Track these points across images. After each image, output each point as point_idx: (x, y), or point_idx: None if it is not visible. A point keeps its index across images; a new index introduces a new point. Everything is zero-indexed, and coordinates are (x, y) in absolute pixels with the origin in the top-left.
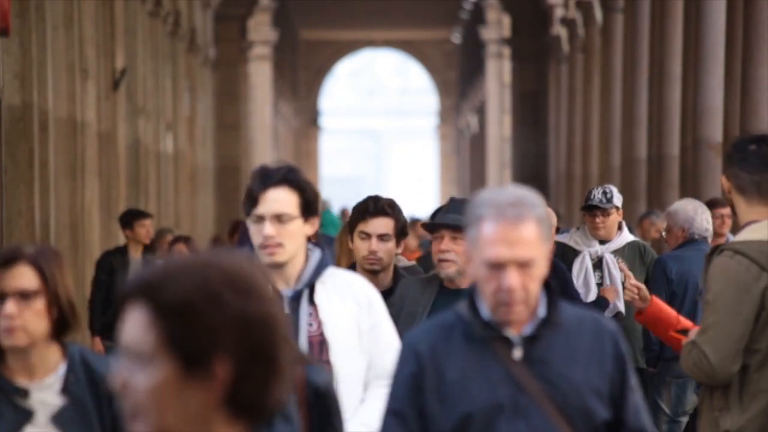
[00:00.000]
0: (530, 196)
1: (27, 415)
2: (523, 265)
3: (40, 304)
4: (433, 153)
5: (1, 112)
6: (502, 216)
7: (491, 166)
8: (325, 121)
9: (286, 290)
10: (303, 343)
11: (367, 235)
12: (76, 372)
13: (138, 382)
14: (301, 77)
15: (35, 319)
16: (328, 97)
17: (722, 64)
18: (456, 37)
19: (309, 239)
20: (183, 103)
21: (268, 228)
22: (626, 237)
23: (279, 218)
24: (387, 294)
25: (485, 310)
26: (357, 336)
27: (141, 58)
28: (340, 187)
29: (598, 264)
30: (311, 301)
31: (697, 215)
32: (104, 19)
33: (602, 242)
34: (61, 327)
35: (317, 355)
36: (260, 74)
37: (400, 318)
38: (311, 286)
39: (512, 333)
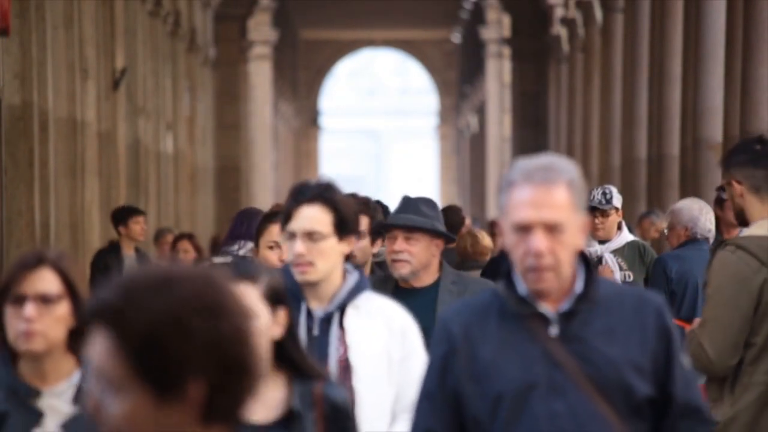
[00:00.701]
0: (562, 162)
1: (37, 417)
2: (551, 229)
3: (61, 310)
4: (433, 153)
5: (1, 111)
6: (530, 179)
7: (491, 166)
8: (325, 121)
9: (318, 310)
10: (332, 365)
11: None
12: None
13: (110, 407)
14: (301, 77)
15: (55, 325)
16: (328, 97)
17: (722, 64)
18: (456, 37)
19: (347, 259)
20: (183, 103)
21: (299, 246)
22: (626, 237)
23: (310, 236)
24: None
25: (521, 285)
26: (386, 365)
27: (141, 57)
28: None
29: (598, 263)
30: (341, 324)
31: (702, 215)
32: (104, 18)
33: (602, 242)
34: (78, 335)
35: (342, 379)
36: (260, 74)
37: None
38: (343, 309)
39: (548, 309)
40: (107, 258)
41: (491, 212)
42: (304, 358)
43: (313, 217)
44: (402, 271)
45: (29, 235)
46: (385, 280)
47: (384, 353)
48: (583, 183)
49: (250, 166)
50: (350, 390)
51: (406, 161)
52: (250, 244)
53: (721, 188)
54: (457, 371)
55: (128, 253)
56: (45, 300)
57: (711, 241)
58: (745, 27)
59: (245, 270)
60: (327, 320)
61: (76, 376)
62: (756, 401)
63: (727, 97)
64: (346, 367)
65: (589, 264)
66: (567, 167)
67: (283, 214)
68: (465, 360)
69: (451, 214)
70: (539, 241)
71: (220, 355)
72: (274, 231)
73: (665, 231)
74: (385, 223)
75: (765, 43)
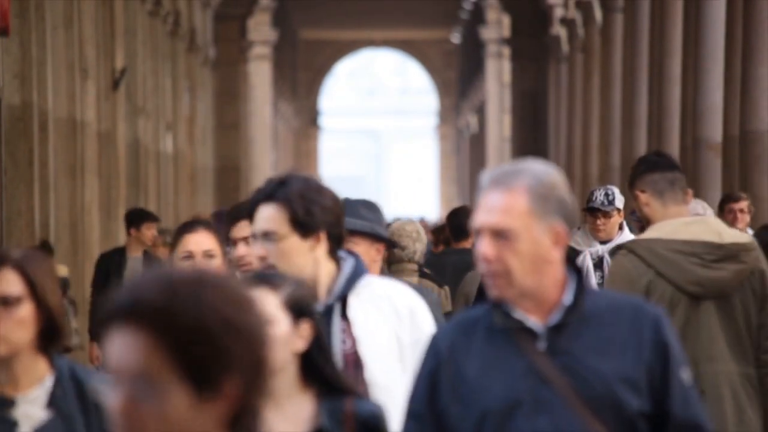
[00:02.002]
0: (534, 167)
1: (10, 427)
2: (499, 235)
3: (24, 312)
4: (433, 153)
5: (1, 111)
6: (493, 183)
7: (491, 166)
8: (325, 120)
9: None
10: (338, 360)
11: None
12: (64, 385)
13: (145, 408)
14: (300, 77)
15: (17, 327)
16: (327, 97)
17: (722, 64)
18: (456, 37)
19: (333, 249)
20: (183, 103)
21: (258, 248)
22: (627, 237)
23: (267, 236)
24: None
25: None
26: (397, 351)
27: (141, 57)
28: (339, 187)
29: (599, 264)
30: (344, 316)
31: (706, 215)
32: (104, 18)
33: (603, 242)
34: (48, 337)
35: (353, 375)
36: (260, 74)
37: None
38: (344, 299)
39: (536, 323)
40: (110, 261)
41: None
42: (333, 373)
43: (268, 217)
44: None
45: (29, 235)
46: None
47: (394, 339)
48: (558, 190)
49: (250, 166)
50: (362, 384)
51: (405, 161)
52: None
53: (632, 212)
54: (442, 390)
55: (133, 255)
56: (5, 302)
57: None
58: (744, 27)
59: (266, 277)
60: (327, 314)
61: (48, 380)
62: None
63: (727, 96)
64: (355, 361)
65: (580, 275)
66: (534, 172)
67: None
68: (449, 378)
69: (461, 215)
70: (484, 246)
71: (253, 354)
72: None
73: None
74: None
75: (764, 43)
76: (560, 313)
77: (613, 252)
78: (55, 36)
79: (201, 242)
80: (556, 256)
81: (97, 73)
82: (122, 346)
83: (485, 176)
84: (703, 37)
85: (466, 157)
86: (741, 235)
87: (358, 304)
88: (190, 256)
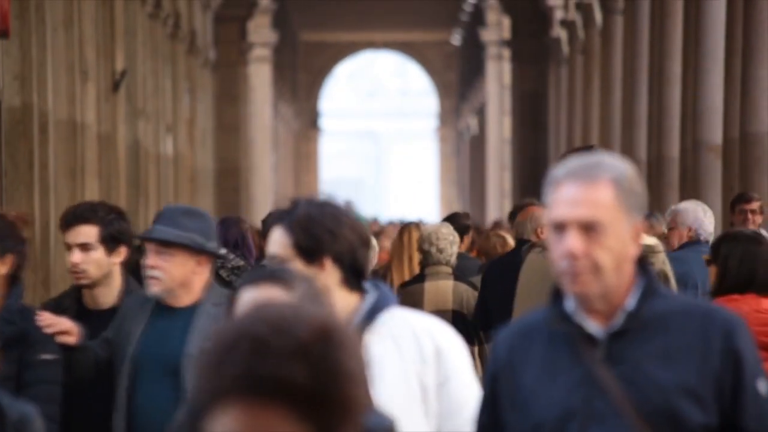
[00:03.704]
0: (612, 160)
1: None
2: (588, 228)
3: None
4: (433, 155)
5: (1, 113)
6: (573, 176)
7: (491, 167)
8: (325, 122)
9: None
10: None
11: (69, 246)
12: None
13: None
14: (300, 79)
15: None
16: (327, 99)
17: (722, 66)
18: (456, 39)
19: (351, 279)
20: (183, 105)
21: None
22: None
23: (273, 260)
24: (113, 313)
25: (570, 301)
26: (419, 395)
27: (141, 59)
28: (339, 189)
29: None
30: None
31: (706, 217)
32: (104, 20)
33: None
34: None
35: None
36: (260, 76)
37: (119, 339)
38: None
39: (596, 328)
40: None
41: (491, 214)
42: None
43: (275, 241)
44: (154, 288)
45: (29, 237)
46: (147, 297)
47: (415, 382)
48: (638, 184)
49: (250, 167)
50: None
51: (405, 163)
52: (221, 250)
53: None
54: (502, 397)
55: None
56: None
57: (710, 243)
58: (744, 28)
59: (280, 275)
60: None
61: None
62: None
63: (727, 98)
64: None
65: (650, 278)
66: (615, 165)
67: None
68: (507, 386)
69: (458, 219)
70: (573, 241)
71: (364, 403)
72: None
73: (665, 231)
74: (139, 236)
75: (765, 44)
76: (622, 319)
77: (527, 250)
78: (55, 38)
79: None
80: (634, 253)
81: (97, 75)
82: (253, 426)
83: (560, 170)
84: (703, 38)
85: (466, 159)
86: (649, 238)
87: (377, 342)
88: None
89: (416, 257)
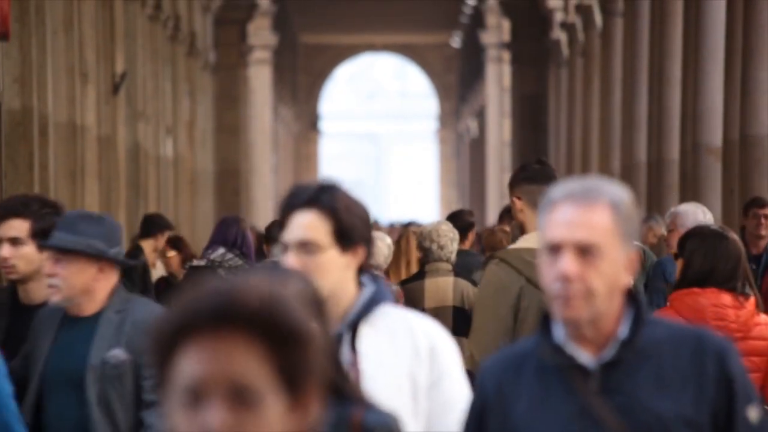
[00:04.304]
0: (610, 185)
1: None
2: (584, 251)
3: None
4: (433, 157)
5: (1, 116)
6: (570, 198)
7: (491, 169)
8: (325, 125)
9: None
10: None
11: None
12: None
13: (247, 422)
14: (300, 81)
15: None
16: (327, 101)
17: (722, 68)
18: (456, 41)
19: (361, 270)
20: (183, 107)
21: (292, 258)
22: None
23: (304, 247)
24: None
25: (559, 331)
26: (410, 393)
27: (141, 61)
28: None
29: None
30: (353, 347)
31: (706, 219)
32: (104, 22)
33: None
34: None
35: None
36: (260, 78)
37: (33, 354)
38: (355, 328)
39: (588, 358)
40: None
41: (491, 216)
42: (342, 379)
43: (308, 225)
44: (53, 298)
45: None
46: (57, 308)
47: (407, 378)
48: (634, 212)
49: (250, 170)
50: None
51: (405, 165)
52: (221, 249)
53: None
54: (491, 430)
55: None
56: None
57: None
58: (744, 30)
59: (273, 273)
60: (336, 342)
61: None
62: None
63: (727, 100)
64: None
65: (640, 306)
66: (613, 189)
67: (277, 222)
68: (497, 419)
69: (461, 218)
70: (567, 263)
71: (329, 360)
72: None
73: (665, 233)
74: (40, 243)
75: (765, 46)
76: (614, 348)
77: (485, 262)
78: (55, 40)
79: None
80: (626, 283)
81: (97, 77)
82: (216, 354)
83: (557, 190)
84: (703, 40)
85: (466, 161)
86: None
87: (371, 335)
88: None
89: (414, 262)
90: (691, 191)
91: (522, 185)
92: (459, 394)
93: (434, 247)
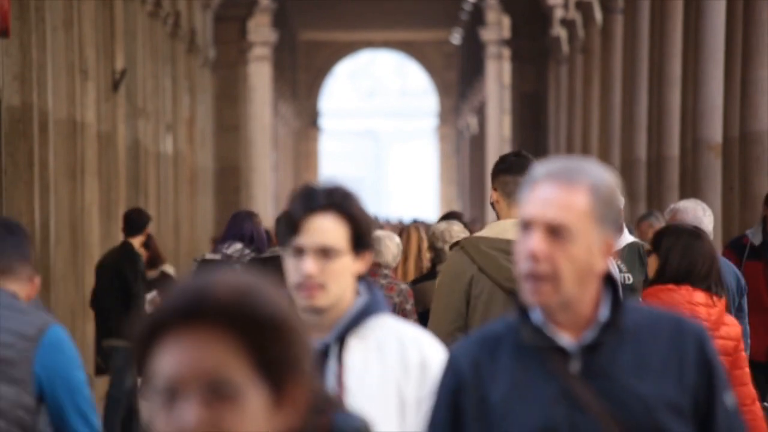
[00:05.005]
0: (593, 167)
1: None
2: (555, 232)
3: None
4: (433, 154)
5: (1, 113)
6: (550, 177)
7: (491, 167)
8: (325, 122)
9: (317, 341)
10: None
11: None
12: None
13: (225, 417)
14: (300, 78)
15: None
16: (327, 98)
17: (722, 66)
18: (456, 38)
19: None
20: (183, 104)
21: (310, 264)
22: (626, 238)
23: (324, 253)
24: None
25: (537, 313)
26: (397, 409)
27: (141, 59)
28: None
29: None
30: (340, 359)
31: (705, 216)
32: (104, 20)
33: None
34: None
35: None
36: (260, 75)
37: None
38: (342, 339)
39: (568, 341)
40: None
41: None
42: (315, 386)
43: (328, 229)
44: None
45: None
46: None
47: (394, 395)
48: (616, 197)
49: (250, 167)
50: None
51: (405, 162)
52: (238, 245)
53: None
54: (466, 417)
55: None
56: None
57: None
58: (744, 28)
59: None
60: (325, 354)
61: None
62: None
63: (727, 98)
64: None
65: (617, 290)
66: (597, 172)
67: (286, 225)
68: (474, 400)
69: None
70: (536, 241)
71: (309, 356)
72: None
73: None
74: None
75: (764, 45)
76: (595, 331)
77: (451, 247)
78: (55, 37)
79: None
80: (602, 268)
81: (97, 75)
82: (190, 349)
83: (539, 168)
84: (703, 38)
85: (466, 158)
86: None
87: (359, 347)
88: None
89: (413, 260)
90: (691, 188)
91: (499, 176)
92: None
93: (446, 247)
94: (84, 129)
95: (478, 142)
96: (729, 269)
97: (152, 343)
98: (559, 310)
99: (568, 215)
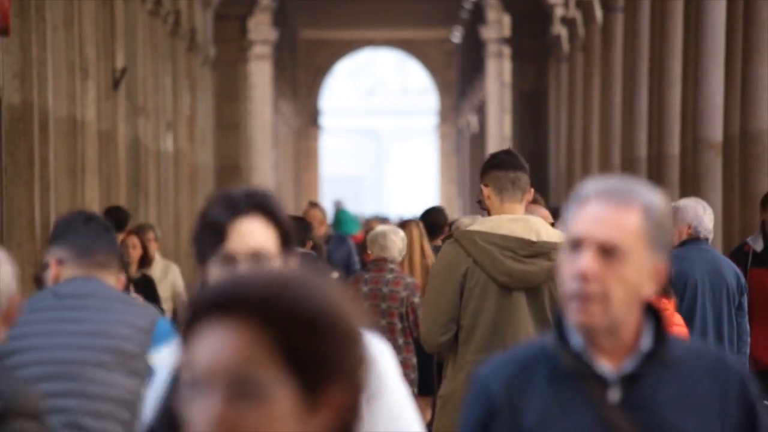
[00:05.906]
0: (646, 189)
1: None
2: (607, 252)
3: None
4: (433, 152)
5: (1, 111)
6: (602, 195)
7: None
8: (325, 120)
9: None
10: None
11: None
12: None
13: (247, 413)
14: (301, 77)
15: None
16: (328, 97)
17: (722, 64)
18: (456, 37)
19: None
20: (183, 103)
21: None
22: None
23: (257, 257)
24: None
25: (575, 338)
26: None
27: (141, 57)
28: (340, 186)
29: None
30: None
31: (706, 215)
32: (104, 18)
33: None
34: None
35: None
36: (260, 73)
37: None
38: None
39: (608, 369)
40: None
41: None
42: None
43: (259, 233)
44: None
45: (29, 235)
46: None
47: None
48: (668, 220)
49: (250, 165)
50: None
51: (406, 161)
52: None
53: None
54: None
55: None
56: None
57: (710, 241)
58: (745, 27)
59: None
60: None
61: None
62: (468, 378)
63: (728, 96)
64: None
65: (659, 319)
66: (649, 194)
67: (208, 230)
68: (507, 426)
69: (435, 215)
70: (587, 261)
71: (355, 354)
72: None
73: None
74: None
75: (765, 43)
76: (636, 360)
77: (444, 240)
78: (55, 36)
79: None
80: (648, 293)
81: (97, 73)
82: (219, 343)
83: (589, 186)
84: (704, 36)
85: (466, 156)
86: (557, 235)
87: None
88: None
89: (417, 255)
90: (691, 186)
91: (490, 172)
92: (401, 409)
93: None
94: (84, 127)
95: (478, 141)
96: (729, 267)
97: (189, 334)
98: (604, 333)
99: (621, 235)
